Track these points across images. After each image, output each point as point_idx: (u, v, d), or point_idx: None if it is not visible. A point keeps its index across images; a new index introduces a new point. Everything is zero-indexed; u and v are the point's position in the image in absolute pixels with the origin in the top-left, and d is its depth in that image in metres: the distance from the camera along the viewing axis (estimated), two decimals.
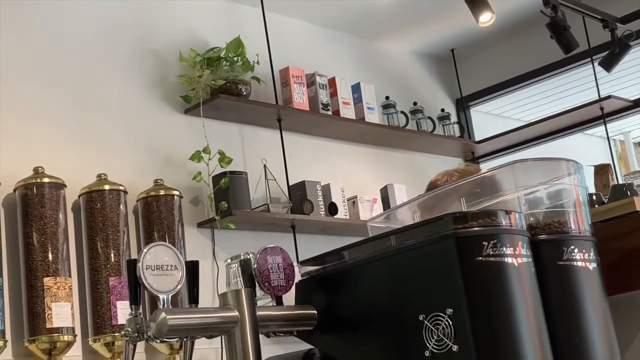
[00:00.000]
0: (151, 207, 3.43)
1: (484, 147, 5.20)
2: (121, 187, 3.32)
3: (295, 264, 2.04)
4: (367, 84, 4.56)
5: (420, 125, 4.86)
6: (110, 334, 3.12)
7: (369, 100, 4.53)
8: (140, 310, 1.81)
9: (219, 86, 3.84)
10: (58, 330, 3.02)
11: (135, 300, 1.81)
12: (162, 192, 3.45)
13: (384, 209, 4.29)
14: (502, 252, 1.74)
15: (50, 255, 3.06)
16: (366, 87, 4.54)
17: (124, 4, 3.81)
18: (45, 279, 3.03)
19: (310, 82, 4.29)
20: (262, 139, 4.14)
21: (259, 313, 1.90)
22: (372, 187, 4.47)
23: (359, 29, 4.82)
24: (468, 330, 1.67)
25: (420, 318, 1.73)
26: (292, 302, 2.03)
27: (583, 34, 4.56)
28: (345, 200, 4.21)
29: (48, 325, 3.00)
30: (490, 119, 5.65)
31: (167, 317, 1.76)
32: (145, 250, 1.80)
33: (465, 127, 5.26)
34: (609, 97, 4.72)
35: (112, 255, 3.20)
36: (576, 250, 1.89)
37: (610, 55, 4.23)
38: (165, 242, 2.84)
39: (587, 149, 5.92)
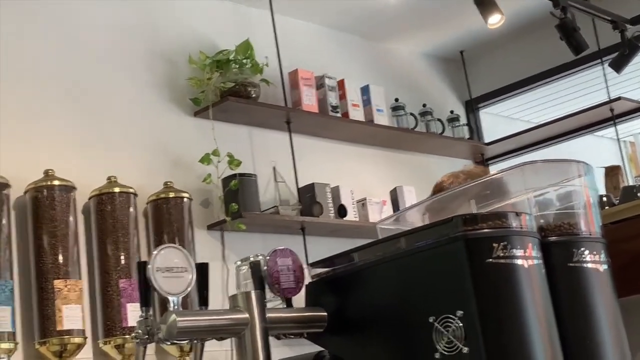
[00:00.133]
0: (161, 210, 3.43)
1: (493, 149, 5.19)
2: (131, 190, 3.32)
3: (305, 266, 2.04)
4: (376, 86, 4.56)
5: (429, 127, 4.85)
6: (120, 336, 3.13)
7: (378, 102, 4.53)
8: (151, 313, 1.81)
9: (228, 88, 3.85)
10: (69, 332, 3.03)
11: (145, 303, 1.81)
12: (171, 195, 3.45)
13: (394, 211, 4.28)
14: (513, 253, 1.73)
15: (60, 258, 3.07)
16: (375, 89, 4.54)
17: (133, 6, 3.82)
18: (56, 282, 3.04)
19: (319, 84, 4.28)
20: (271, 141, 4.14)
21: (268, 315, 1.90)
22: (382, 189, 4.47)
23: (368, 30, 4.82)
24: (478, 332, 1.67)
25: (430, 320, 1.73)
26: (302, 304, 2.03)
27: (593, 35, 4.54)
28: (355, 202, 4.21)
29: (59, 328, 3.01)
30: (499, 120, 5.64)
31: (177, 319, 1.76)
32: (155, 252, 1.80)
33: (475, 129, 5.25)
34: (619, 98, 4.71)
35: (122, 257, 3.20)
36: (587, 252, 1.89)
37: (620, 56, 4.22)
38: (176, 244, 2.85)
39: (597, 150, 5.89)
